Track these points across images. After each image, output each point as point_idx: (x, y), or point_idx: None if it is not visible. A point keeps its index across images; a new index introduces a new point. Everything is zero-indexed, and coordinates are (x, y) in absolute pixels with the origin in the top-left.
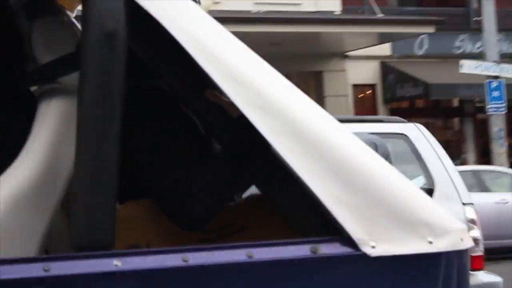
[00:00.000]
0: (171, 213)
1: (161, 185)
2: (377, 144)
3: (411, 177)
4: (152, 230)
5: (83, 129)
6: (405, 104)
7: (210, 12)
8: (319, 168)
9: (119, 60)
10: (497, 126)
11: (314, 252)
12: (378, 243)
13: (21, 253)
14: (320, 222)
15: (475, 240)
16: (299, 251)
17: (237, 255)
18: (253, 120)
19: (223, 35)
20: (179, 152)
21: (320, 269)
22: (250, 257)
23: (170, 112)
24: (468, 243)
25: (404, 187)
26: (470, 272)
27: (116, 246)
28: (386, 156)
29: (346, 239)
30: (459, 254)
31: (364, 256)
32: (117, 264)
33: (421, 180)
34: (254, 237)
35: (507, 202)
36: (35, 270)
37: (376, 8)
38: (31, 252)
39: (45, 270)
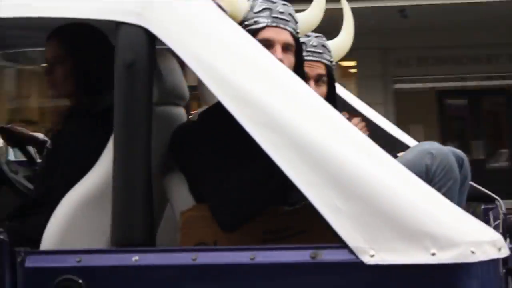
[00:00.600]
0: (214, 215)
1: (208, 189)
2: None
3: None
4: (218, 230)
5: (117, 146)
6: None
7: None
8: (317, 178)
9: (141, 87)
10: None
11: (313, 257)
12: (377, 252)
13: (90, 245)
14: None
15: None
16: (300, 256)
17: (237, 257)
18: (255, 136)
19: (237, 53)
20: (225, 160)
21: (320, 275)
22: (252, 259)
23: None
24: (482, 256)
25: (409, 197)
26: None
27: (185, 243)
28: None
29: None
30: (471, 267)
31: (362, 264)
32: (135, 259)
33: None
34: (312, 239)
35: None
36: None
37: None
38: (100, 244)
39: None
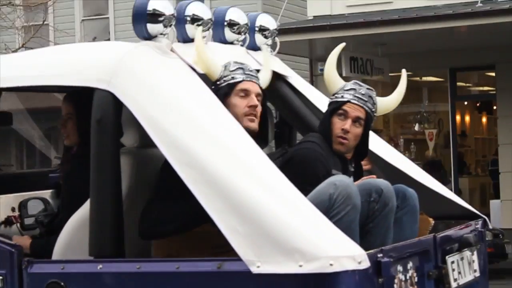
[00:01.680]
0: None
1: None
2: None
3: None
4: (181, 245)
5: (92, 183)
6: None
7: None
8: (221, 205)
9: (107, 138)
10: None
11: (219, 267)
12: (262, 264)
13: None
14: None
15: None
16: (211, 266)
17: (168, 267)
18: (178, 172)
19: (177, 107)
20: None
21: (224, 281)
22: (177, 268)
23: None
24: (338, 268)
25: (288, 221)
26: None
27: (158, 255)
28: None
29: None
30: (331, 276)
31: (251, 273)
32: (100, 267)
33: None
34: None
35: None
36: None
37: None
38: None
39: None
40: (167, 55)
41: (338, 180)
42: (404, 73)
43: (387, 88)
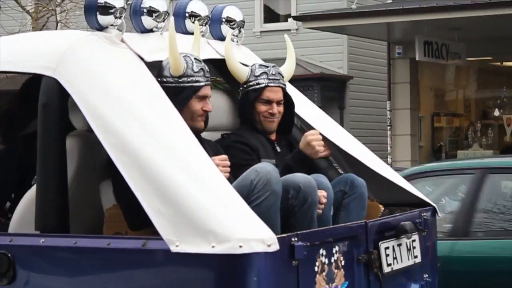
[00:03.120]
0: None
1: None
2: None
3: None
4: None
5: (38, 162)
6: None
7: None
8: (146, 186)
9: (51, 121)
10: None
11: (143, 245)
12: (181, 244)
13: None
14: None
15: None
16: (136, 243)
17: (100, 243)
18: (110, 155)
19: (116, 95)
20: None
21: (148, 257)
22: (108, 244)
23: None
24: (247, 250)
25: (206, 205)
26: None
27: (107, 232)
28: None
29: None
30: (241, 257)
31: (170, 252)
32: (42, 241)
33: None
34: None
35: None
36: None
37: None
38: None
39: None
40: (115, 45)
41: (260, 167)
42: (287, 39)
43: (463, 72)
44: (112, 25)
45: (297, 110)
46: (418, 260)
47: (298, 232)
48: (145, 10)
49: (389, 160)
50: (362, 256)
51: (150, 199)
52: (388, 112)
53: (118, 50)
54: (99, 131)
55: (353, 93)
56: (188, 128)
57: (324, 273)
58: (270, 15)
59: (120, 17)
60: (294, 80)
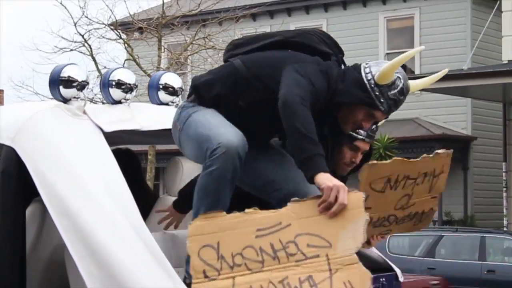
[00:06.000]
0: None
1: None
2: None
3: None
4: None
5: None
6: None
7: None
8: (84, 251)
9: (8, 189)
10: None
11: None
12: None
13: None
14: None
15: None
16: None
17: None
18: (54, 219)
19: (66, 164)
20: None
21: None
22: None
23: None
24: None
25: (130, 269)
26: None
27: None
28: None
29: None
30: None
31: None
32: None
33: None
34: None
35: None
36: None
37: None
38: None
39: None
40: (76, 117)
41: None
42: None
43: None
44: (75, 97)
45: None
46: None
47: None
48: (113, 83)
49: (505, 222)
50: None
51: (86, 262)
52: (504, 173)
53: (77, 121)
54: (46, 197)
55: (477, 153)
56: (132, 197)
57: None
58: None
59: (81, 90)
60: (416, 141)
